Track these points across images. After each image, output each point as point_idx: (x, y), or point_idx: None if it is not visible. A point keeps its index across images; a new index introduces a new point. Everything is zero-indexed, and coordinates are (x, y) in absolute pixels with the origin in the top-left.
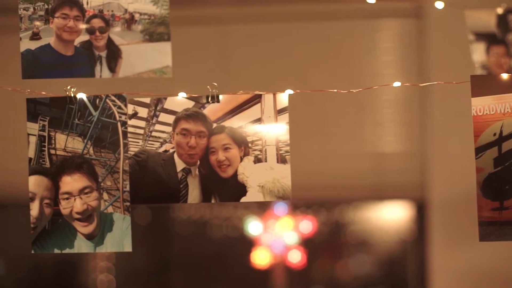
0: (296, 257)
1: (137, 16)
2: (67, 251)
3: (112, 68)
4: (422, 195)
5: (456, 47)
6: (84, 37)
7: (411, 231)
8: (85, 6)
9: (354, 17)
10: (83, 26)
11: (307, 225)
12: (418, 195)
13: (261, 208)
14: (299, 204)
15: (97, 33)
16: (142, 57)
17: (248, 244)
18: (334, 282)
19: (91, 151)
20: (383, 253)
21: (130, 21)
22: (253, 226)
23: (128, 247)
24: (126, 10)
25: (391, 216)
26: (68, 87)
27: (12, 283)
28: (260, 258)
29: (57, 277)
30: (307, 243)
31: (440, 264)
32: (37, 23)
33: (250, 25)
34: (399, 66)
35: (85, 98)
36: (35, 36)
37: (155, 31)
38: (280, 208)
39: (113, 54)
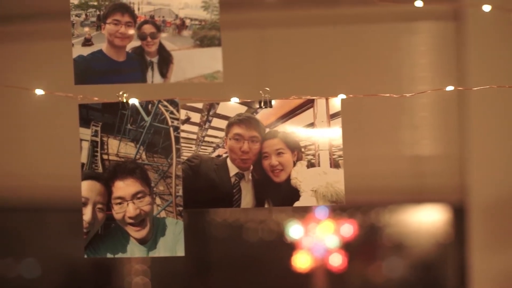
0: (337, 261)
1: (187, 21)
2: (119, 255)
3: (164, 74)
4: (461, 198)
5: (498, 50)
6: (136, 43)
7: (449, 234)
8: (136, 12)
9: (391, 20)
10: (134, 32)
11: (348, 229)
12: (456, 198)
13: (296, 212)
14: (335, 207)
15: (149, 39)
16: (193, 63)
17: (285, 247)
18: (374, 286)
19: (144, 156)
20: (422, 256)
21: (181, 26)
22: (294, 230)
23: (180, 252)
24: (177, 16)
25: (429, 219)
26: (121, 93)
27: (46, 286)
28: (301, 262)
29: (92, 280)
30: (348, 247)
31: (481, 268)
32: (89, 29)
33: (293, 29)
34: (438, 69)
35: (137, 104)
36: (87, 42)
37: (206, 36)
38: (321, 211)
39: (165, 60)
